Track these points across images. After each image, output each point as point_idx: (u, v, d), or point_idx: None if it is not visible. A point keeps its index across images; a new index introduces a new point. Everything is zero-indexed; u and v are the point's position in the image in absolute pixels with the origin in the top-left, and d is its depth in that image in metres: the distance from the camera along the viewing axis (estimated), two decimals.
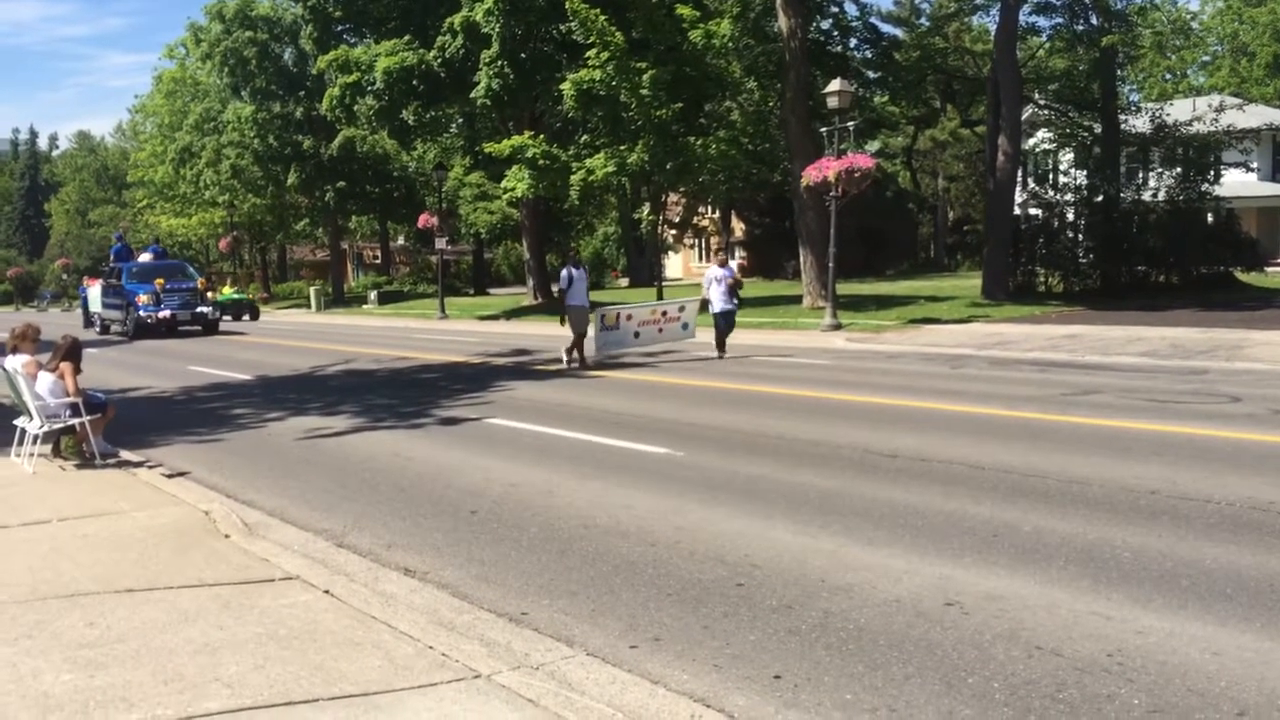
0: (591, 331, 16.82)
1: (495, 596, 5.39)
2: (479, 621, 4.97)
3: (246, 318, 41.42)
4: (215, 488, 8.32)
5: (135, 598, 5.31)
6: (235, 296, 43.38)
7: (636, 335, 17.29)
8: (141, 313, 30.25)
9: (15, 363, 9.38)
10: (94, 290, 36.42)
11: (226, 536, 6.57)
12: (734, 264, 17.17)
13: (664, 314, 17.82)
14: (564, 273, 16.93)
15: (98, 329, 34.31)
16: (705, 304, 17.59)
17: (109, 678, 4.21)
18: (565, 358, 16.69)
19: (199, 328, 31.45)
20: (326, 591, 5.33)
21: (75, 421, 9.23)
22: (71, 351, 9.47)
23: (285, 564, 5.88)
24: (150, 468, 9.21)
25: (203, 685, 4.12)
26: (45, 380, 9.33)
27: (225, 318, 39.57)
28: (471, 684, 4.12)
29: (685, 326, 17.90)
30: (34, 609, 5.15)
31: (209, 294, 34.34)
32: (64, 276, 76.80)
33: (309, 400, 14.14)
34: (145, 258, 36.77)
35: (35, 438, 9.16)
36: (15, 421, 9.57)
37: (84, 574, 5.76)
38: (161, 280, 31.30)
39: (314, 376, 17.62)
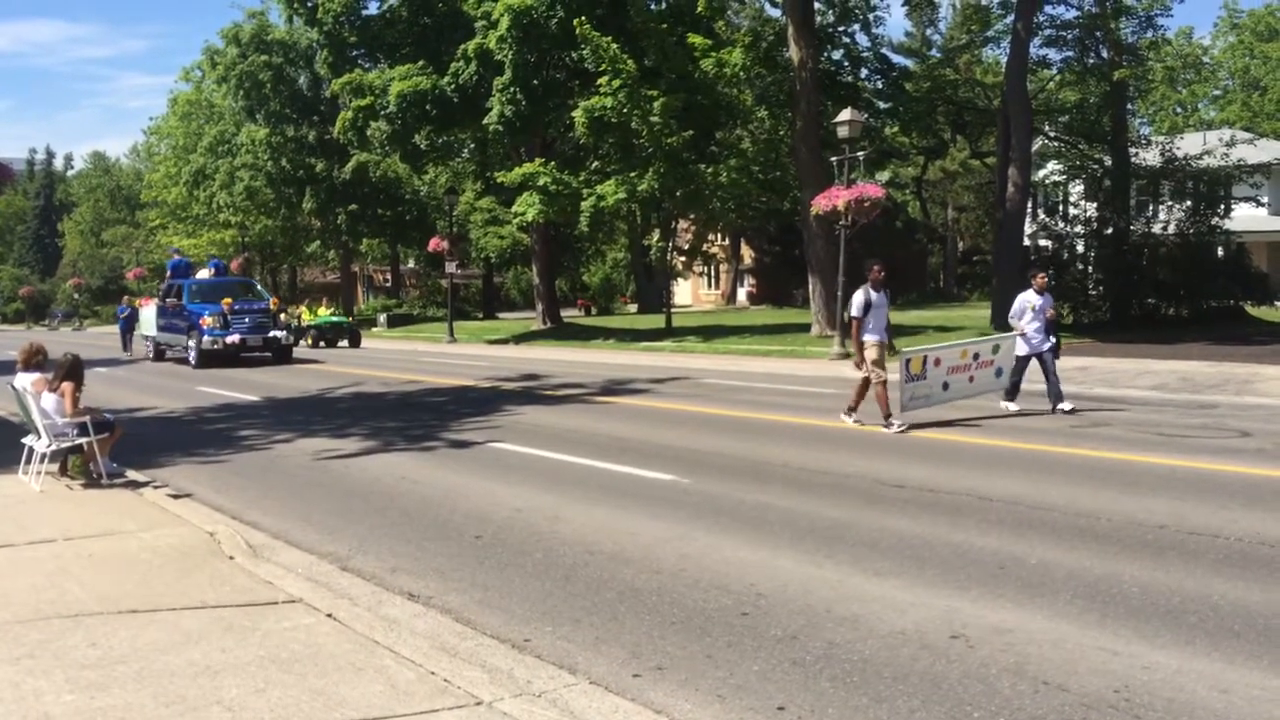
0: (892, 376, 12.46)
1: (498, 622, 5.37)
2: (481, 648, 4.94)
3: (345, 344, 34.74)
4: (220, 509, 8.31)
5: (138, 619, 5.30)
6: (334, 320, 36.70)
7: (945, 386, 13.34)
8: (206, 337, 25.62)
9: (25, 381, 9.43)
10: (147, 311, 31.77)
11: (231, 558, 6.56)
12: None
13: (975, 357, 13.89)
14: (859, 295, 12.52)
15: (150, 355, 30.13)
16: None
17: (110, 699, 4.20)
18: (848, 415, 12.59)
19: (269, 354, 26.77)
20: (329, 615, 5.31)
21: (82, 441, 9.25)
22: (72, 370, 9.49)
23: (289, 587, 5.86)
24: (156, 488, 9.21)
25: (203, 708, 4.11)
26: (49, 399, 9.36)
27: (320, 344, 34.30)
28: (473, 711, 4.10)
29: (999, 373, 14.06)
30: (37, 628, 5.14)
31: (282, 315, 28.72)
32: (76, 296, 77.14)
33: (317, 422, 14.15)
34: (204, 274, 31.74)
35: (43, 456, 9.19)
36: (23, 440, 9.61)
37: (88, 594, 5.75)
38: (229, 300, 26.80)
39: (323, 399, 17.64)
